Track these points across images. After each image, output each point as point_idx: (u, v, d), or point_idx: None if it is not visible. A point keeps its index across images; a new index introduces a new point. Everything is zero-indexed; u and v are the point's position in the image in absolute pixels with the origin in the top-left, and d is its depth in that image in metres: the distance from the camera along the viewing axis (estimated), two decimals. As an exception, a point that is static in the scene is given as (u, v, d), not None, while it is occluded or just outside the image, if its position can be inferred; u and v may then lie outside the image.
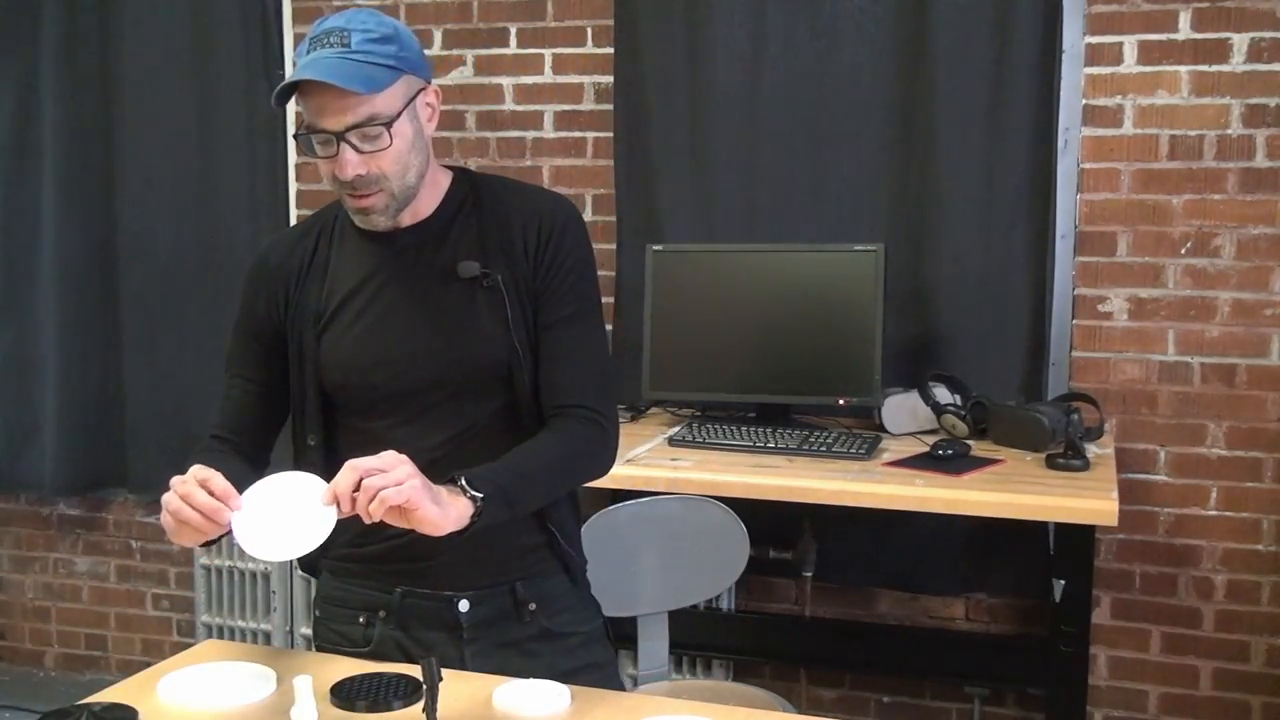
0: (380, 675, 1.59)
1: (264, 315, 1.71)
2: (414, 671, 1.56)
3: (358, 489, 1.42)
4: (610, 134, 3.24)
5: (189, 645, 1.87)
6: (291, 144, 3.53)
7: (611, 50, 3.22)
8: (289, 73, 3.45)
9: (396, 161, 1.57)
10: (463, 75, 3.36)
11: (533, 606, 1.72)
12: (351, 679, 1.57)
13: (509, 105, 3.34)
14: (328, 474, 1.58)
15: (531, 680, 1.58)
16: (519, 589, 1.70)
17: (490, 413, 1.67)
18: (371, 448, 1.59)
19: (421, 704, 1.43)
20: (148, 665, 1.73)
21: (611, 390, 1.74)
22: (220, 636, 3.55)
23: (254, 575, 3.56)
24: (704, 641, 3.10)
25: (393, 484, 1.40)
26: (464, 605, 1.69)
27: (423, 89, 1.61)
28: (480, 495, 1.49)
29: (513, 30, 3.32)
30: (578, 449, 1.66)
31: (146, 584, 3.86)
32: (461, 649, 1.70)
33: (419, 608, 1.70)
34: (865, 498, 2.46)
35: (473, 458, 1.60)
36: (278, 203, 3.55)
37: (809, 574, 3.09)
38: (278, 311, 1.70)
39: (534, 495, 1.62)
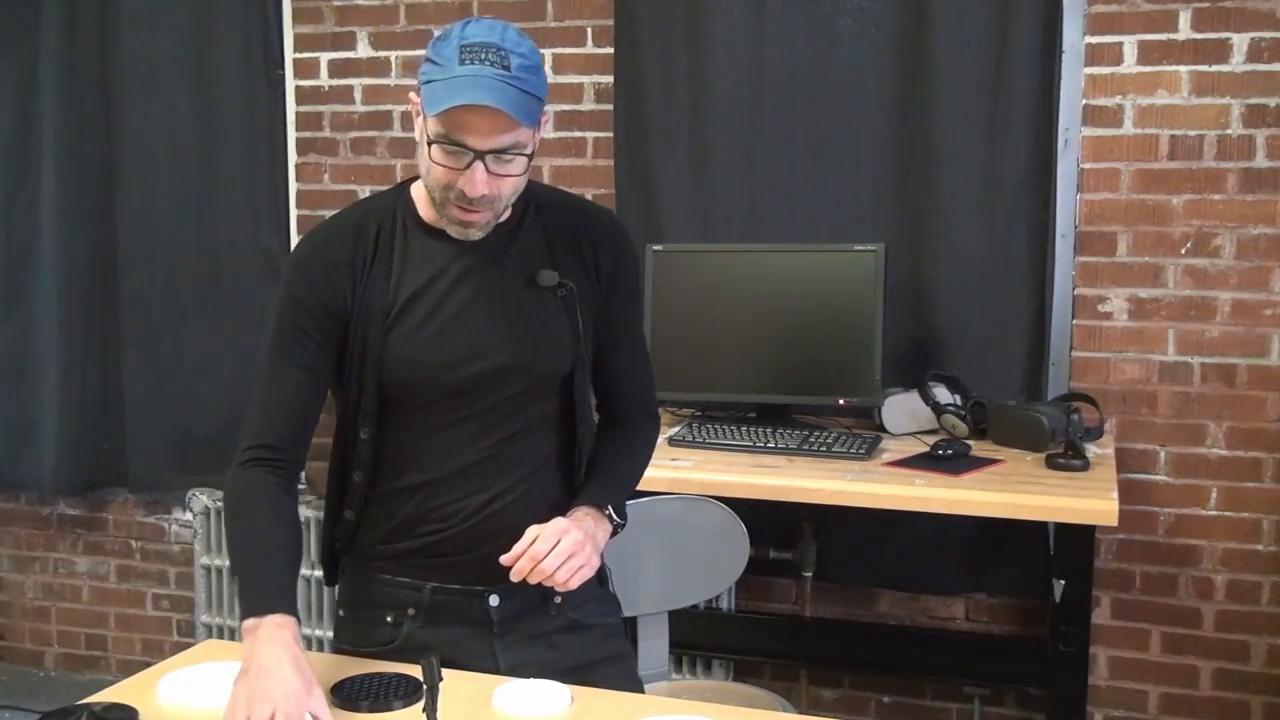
0: (380, 675, 1.59)
1: (327, 302, 1.64)
2: (414, 671, 1.56)
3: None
4: (610, 134, 3.23)
5: (189, 645, 1.87)
6: (292, 144, 3.53)
7: (611, 50, 3.22)
8: (289, 72, 3.50)
9: (516, 186, 1.59)
10: (463, 75, 3.35)
11: (558, 599, 1.73)
12: (352, 679, 1.57)
13: (509, 105, 3.33)
14: (375, 467, 1.67)
15: (531, 680, 1.58)
16: (543, 585, 1.68)
17: (542, 416, 1.71)
18: (421, 443, 1.66)
19: (421, 704, 1.43)
20: (148, 665, 1.73)
21: None
22: (220, 636, 3.55)
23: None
24: (704, 641, 3.10)
25: (586, 562, 1.60)
26: (494, 600, 1.70)
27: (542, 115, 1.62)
28: (622, 523, 1.71)
29: (513, 30, 3.32)
30: (650, 448, 1.87)
31: (146, 584, 3.86)
32: (491, 643, 1.71)
33: (449, 604, 1.70)
34: (865, 498, 2.46)
35: (518, 458, 1.69)
36: (278, 203, 3.55)
37: (809, 574, 3.09)
38: (343, 302, 1.64)
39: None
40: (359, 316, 1.64)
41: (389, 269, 1.66)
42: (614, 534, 1.71)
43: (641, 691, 1.76)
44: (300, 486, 1.76)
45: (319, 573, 3.39)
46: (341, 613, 1.78)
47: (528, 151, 1.56)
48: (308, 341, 1.64)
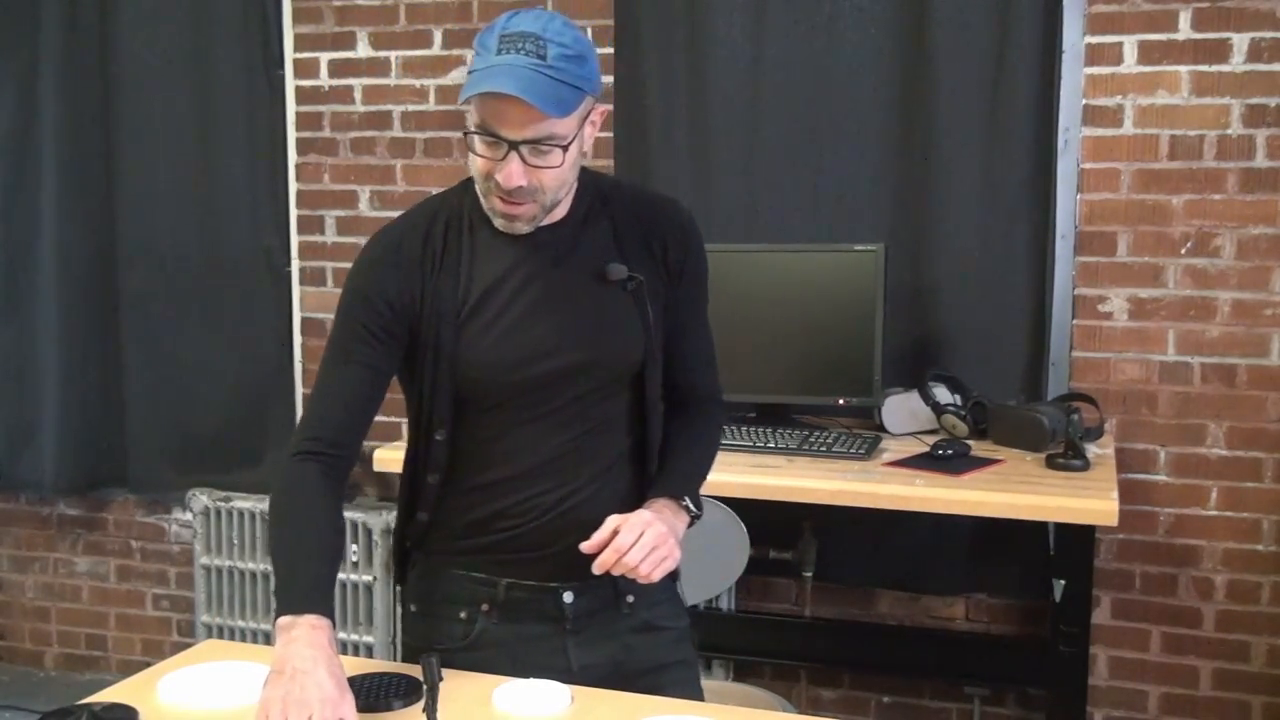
0: (380, 675, 1.59)
1: (395, 301, 1.62)
2: (414, 671, 1.56)
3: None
4: (610, 134, 3.24)
5: (189, 645, 1.87)
6: (292, 144, 3.53)
7: (611, 50, 3.22)
8: (289, 72, 3.51)
9: (558, 178, 1.56)
10: (463, 75, 3.36)
11: (631, 599, 1.72)
12: (351, 679, 1.56)
13: (509, 105, 3.33)
14: (450, 468, 1.66)
15: (531, 680, 1.58)
16: (619, 581, 1.68)
17: (616, 411, 1.70)
18: (496, 443, 1.65)
19: (421, 704, 1.43)
20: (148, 665, 1.73)
21: None
22: (220, 636, 3.55)
23: (254, 575, 3.55)
24: (704, 641, 3.07)
25: (669, 554, 1.57)
26: (568, 596, 1.69)
27: (593, 108, 1.59)
28: (699, 513, 1.69)
29: (513, 30, 3.32)
30: (719, 434, 1.87)
31: (146, 584, 3.86)
32: (564, 640, 1.70)
33: (524, 600, 1.69)
34: (865, 498, 2.46)
35: (592, 454, 1.67)
36: (278, 203, 3.55)
37: (809, 574, 3.09)
38: (414, 301, 1.62)
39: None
40: (430, 316, 1.62)
41: (458, 267, 1.64)
42: (691, 524, 1.69)
43: (702, 700, 1.73)
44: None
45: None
46: (412, 608, 1.76)
47: (564, 143, 1.53)
48: (371, 339, 1.62)
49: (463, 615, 1.70)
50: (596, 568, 1.54)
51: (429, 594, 1.74)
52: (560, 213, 1.65)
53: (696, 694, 1.75)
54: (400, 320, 1.62)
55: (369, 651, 3.41)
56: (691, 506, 1.69)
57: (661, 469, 1.74)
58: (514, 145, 1.51)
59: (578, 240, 1.67)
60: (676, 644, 1.78)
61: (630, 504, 1.65)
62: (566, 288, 1.65)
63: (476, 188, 1.61)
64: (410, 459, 1.71)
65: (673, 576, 1.77)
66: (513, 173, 1.52)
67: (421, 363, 1.64)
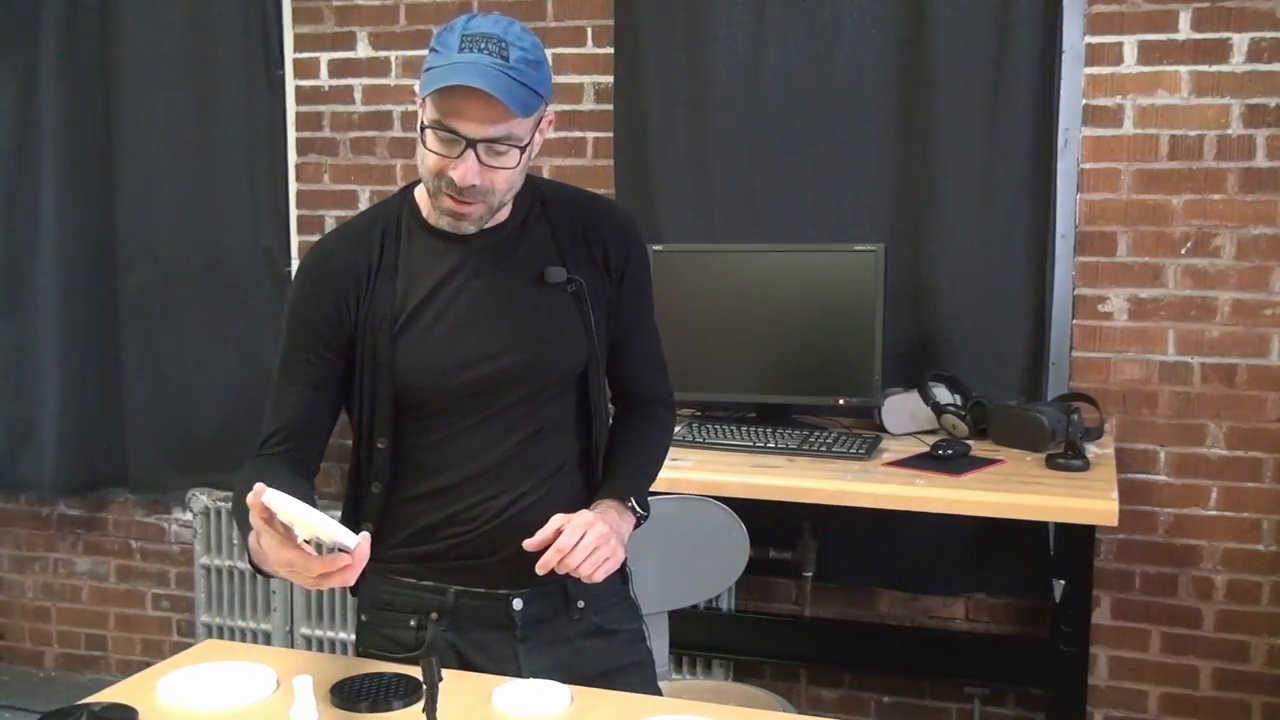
0: (380, 675, 1.59)
1: (332, 315, 1.64)
2: (414, 671, 1.56)
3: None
4: (610, 134, 3.24)
5: (189, 645, 1.87)
6: (292, 144, 3.53)
7: (611, 50, 3.22)
8: (289, 72, 3.51)
9: (509, 180, 1.58)
10: (463, 75, 3.35)
11: (581, 604, 1.73)
12: (351, 679, 1.57)
13: (509, 105, 3.33)
14: (394, 478, 1.66)
15: (531, 680, 1.58)
16: (570, 586, 1.70)
17: (561, 414, 1.71)
18: (440, 449, 1.66)
19: (421, 704, 1.43)
20: (148, 665, 1.73)
21: None
22: (220, 636, 3.55)
23: (254, 575, 3.55)
24: (704, 641, 3.10)
25: (611, 555, 1.58)
26: (518, 603, 1.69)
27: (544, 114, 1.59)
28: (645, 514, 1.71)
29: (513, 30, 3.32)
30: (668, 437, 1.88)
31: (146, 584, 3.86)
32: (515, 647, 1.70)
33: (473, 607, 1.69)
34: (865, 498, 2.46)
35: (539, 458, 1.68)
36: (278, 203, 3.55)
37: (809, 574, 3.09)
38: (348, 312, 1.63)
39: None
40: (367, 325, 1.63)
41: (395, 274, 1.65)
42: (637, 525, 1.70)
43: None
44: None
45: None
46: (364, 617, 1.76)
47: (522, 144, 1.54)
48: (313, 358, 1.64)
49: (412, 623, 1.70)
50: (539, 568, 1.55)
51: (378, 603, 1.74)
52: (502, 216, 1.66)
53: (653, 694, 1.75)
54: (339, 335, 1.64)
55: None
56: (638, 508, 1.69)
57: (608, 471, 1.75)
58: (472, 143, 1.52)
59: (517, 243, 1.68)
60: (629, 646, 1.78)
61: (579, 508, 1.65)
62: (506, 291, 1.66)
63: (425, 186, 1.61)
64: (353, 469, 1.71)
65: (624, 579, 1.79)
66: (468, 171, 1.53)
67: (360, 371, 1.65)
